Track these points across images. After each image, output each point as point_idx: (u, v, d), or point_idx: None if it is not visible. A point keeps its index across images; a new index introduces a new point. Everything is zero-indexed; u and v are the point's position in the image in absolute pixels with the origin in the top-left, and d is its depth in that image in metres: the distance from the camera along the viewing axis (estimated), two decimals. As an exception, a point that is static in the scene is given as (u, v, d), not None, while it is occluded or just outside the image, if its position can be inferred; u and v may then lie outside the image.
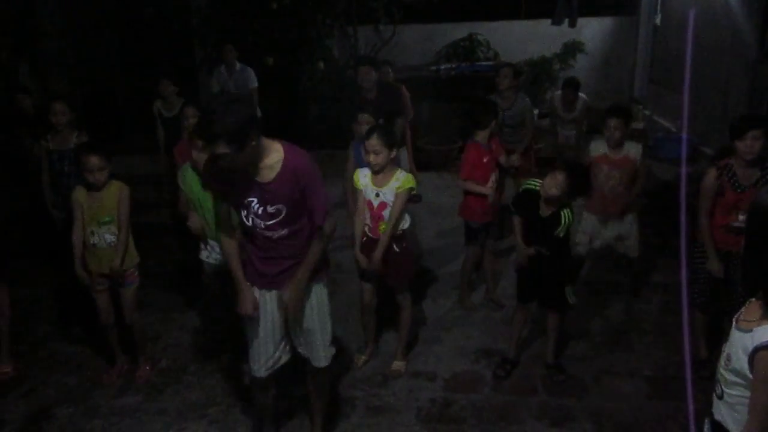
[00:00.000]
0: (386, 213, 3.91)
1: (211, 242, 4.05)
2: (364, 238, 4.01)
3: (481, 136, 4.62)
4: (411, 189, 3.92)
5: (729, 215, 3.79)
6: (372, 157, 3.79)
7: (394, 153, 3.86)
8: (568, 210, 3.81)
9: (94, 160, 3.90)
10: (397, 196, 3.86)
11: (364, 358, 4.32)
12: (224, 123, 2.64)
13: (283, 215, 2.93)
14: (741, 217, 3.68)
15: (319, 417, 3.54)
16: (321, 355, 3.27)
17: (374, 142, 3.77)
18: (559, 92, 7.00)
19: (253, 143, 2.74)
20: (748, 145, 3.61)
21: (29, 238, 6.02)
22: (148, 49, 9.15)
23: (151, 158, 6.73)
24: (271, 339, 3.20)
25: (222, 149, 2.67)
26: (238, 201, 2.97)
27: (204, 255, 4.17)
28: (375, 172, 3.89)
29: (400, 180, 3.87)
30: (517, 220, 4.01)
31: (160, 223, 6.42)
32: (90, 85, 9.58)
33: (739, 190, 3.73)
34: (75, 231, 4.01)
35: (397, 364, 4.23)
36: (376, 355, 4.36)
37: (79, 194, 4.01)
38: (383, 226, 3.92)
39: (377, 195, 3.90)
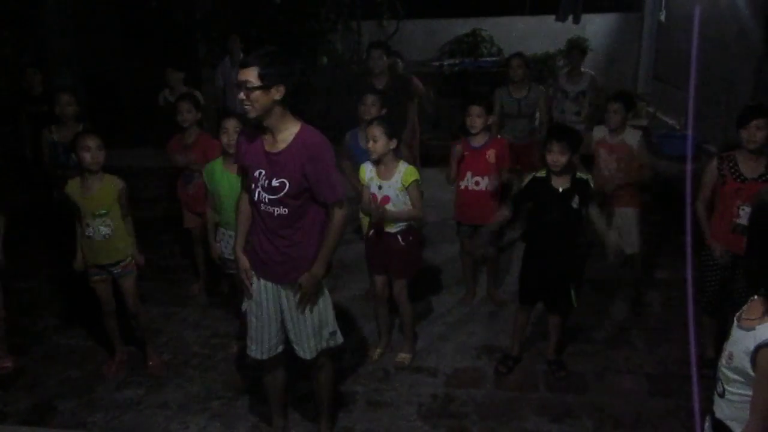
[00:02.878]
0: (389, 207, 3.93)
1: (227, 232, 4.08)
2: (372, 231, 4.06)
3: (475, 137, 4.56)
4: (417, 181, 3.93)
5: (730, 208, 3.76)
6: (371, 144, 3.86)
7: (394, 144, 3.89)
8: (583, 175, 3.84)
9: (92, 138, 3.86)
10: (408, 191, 3.92)
11: (379, 350, 4.32)
12: (268, 57, 2.87)
13: (285, 190, 2.95)
14: (742, 212, 3.67)
15: (325, 412, 3.54)
16: (306, 347, 3.20)
17: (374, 129, 3.86)
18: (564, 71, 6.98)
19: (277, 97, 2.87)
20: (751, 133, 3.61)
21: (31, 230, 6.05)
22: (151, 43, 9.15)
23: (155, 152, 6.73)
24: (267, 327, 3.22)
25: (251, 77, 2.83)
26: (249, 170, 3.05)
27: (222, 249, 4.19)
28: (374, 161, 3.94)
29: (402, 173, 3.92)
30: (503, 211, 4.08)
31: (160, 218, 6.43)
32: (93, 79, 9.57)
33: (739, 180, 3.72)
34: (78, 220, 4.02)
35: (402, 356, 4.24)
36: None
37: (72, 188, 3.95)
38: (389, 222, 3.96)
39: (380, 188, 3.96)
